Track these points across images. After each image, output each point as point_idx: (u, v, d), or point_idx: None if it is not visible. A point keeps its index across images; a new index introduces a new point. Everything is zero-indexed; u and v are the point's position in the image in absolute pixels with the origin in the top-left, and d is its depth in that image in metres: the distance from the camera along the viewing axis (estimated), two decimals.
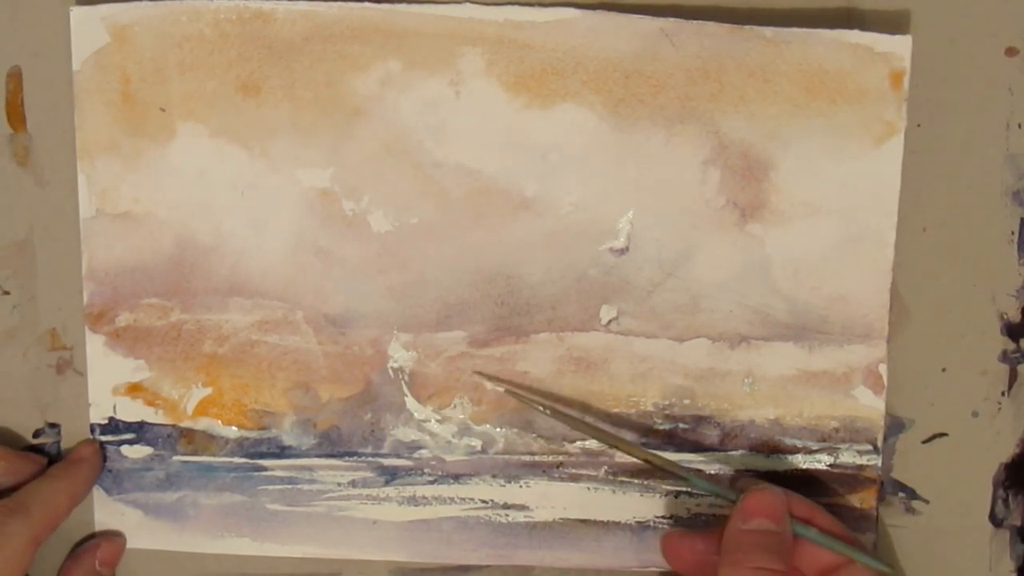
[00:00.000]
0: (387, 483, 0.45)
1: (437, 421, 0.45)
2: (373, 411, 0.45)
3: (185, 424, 0.45)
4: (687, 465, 0.44)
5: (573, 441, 0.44)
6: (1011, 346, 0.44)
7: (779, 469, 0.44)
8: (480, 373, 0.44)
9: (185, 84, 0.44)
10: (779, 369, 0.44)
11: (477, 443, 0.45)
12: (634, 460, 0.44)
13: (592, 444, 0.44)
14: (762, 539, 0.39)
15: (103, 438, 0.45)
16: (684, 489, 0.44)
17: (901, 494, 0.45)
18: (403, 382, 0.45)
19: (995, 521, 0.45)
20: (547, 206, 0.44)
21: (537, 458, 0.44)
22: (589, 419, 0.44)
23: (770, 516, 0.39)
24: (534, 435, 0.45)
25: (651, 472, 0.44)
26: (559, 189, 0.43)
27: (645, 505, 0.45)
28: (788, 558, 0.39)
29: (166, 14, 0.43)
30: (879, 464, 0.44)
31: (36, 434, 0.46)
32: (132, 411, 0.45)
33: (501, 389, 0.44)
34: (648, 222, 0.44)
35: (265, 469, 0.45)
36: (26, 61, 0.45)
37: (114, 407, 0.45)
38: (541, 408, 0.43)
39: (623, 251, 0.44)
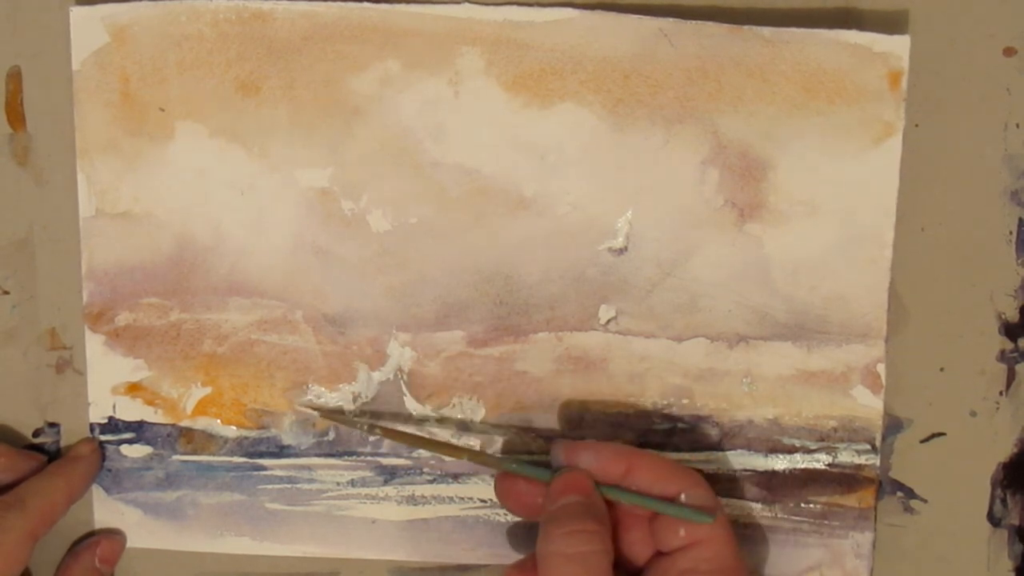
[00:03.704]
0: (386, 482, 0.45)
1: (436, 420, 0.45)
2: (372, 410, 0.45)
3: (184, 423, 0.45)
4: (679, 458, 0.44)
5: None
6: (1009, 346, 0.44)
7: (777, 468, 0.44)
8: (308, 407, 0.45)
9: (184, 84, 0.44)
10: (778, 369, 0.44)
11: (476, 443, 0.45)
12: None
13: None
14: (572, 508, 0.39)
15: (103, 437, 0.45)
16: None
17: (899, 493, 0.45)
18: (402, 382, 0.45)
19: (993, 521, 0.45)
20: (546, 206, 0.44)
21: (536, 457, 0.44)
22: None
23: (576, 492, 0.39)
24: (533, 435, 0.45)
25: None
26: (558, 189, 0.44)
27: None
28: (603, 520, 0.39)
29: (165, 14, 0.43)
30: (877, 463, 0.44)
31: (36, 433, 0.46)
32: (131, 410, 0.45)
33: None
34: (647, 222, 0.44)
35: (264, 468, 0.45)
36: (26, 61, 0.45)
37: (113, 406, 0.45)
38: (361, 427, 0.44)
39: (622, 251, 0.44)
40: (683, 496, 0.39)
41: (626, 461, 0.40)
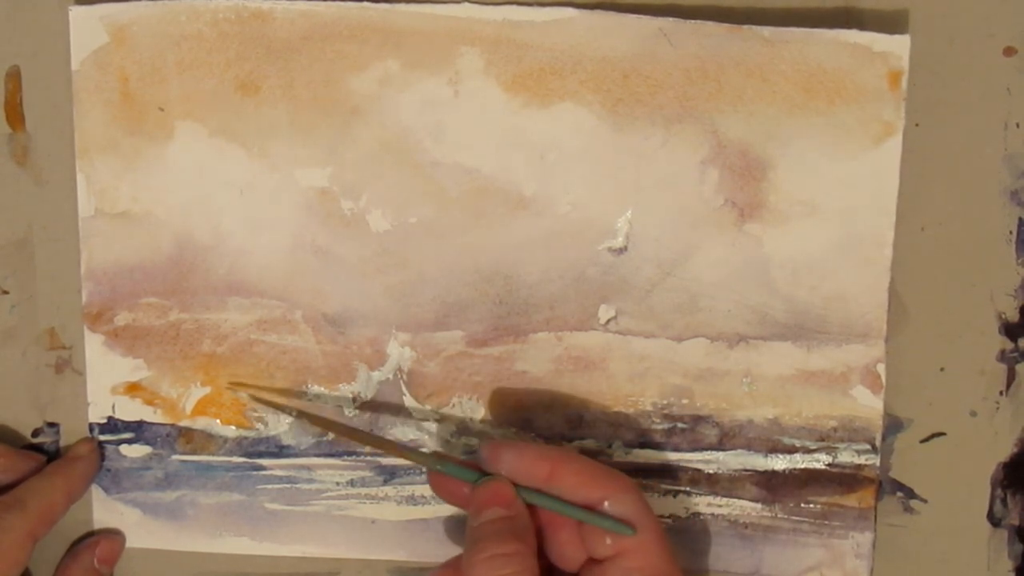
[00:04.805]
0: (385, 482, 0.45)
1: (436, 420, 0.45)
2: (372, 410, 0.45)
3: (184, 423, 0.45)
4: (687, 464, 0.44)
5: (572, 440, 0.44)
6: (1009, 345, 0.44)
7: (777, 468, 0.44)
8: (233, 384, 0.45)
9: (184, 83, 0.44)
10: (777, 368, 0.44)
11: (476, 442, 0.45)
12: (631, 460, 0.44)
13: (590, 443, 0.44)
14: (493, 526, 0.38)
15: (102, 437, 0.45)
16: (682, 488, 0.44)
17: (899, 493, 0.45)
18: (402, 381, 0.45)
19: (993, 521, 0.45)
20: (545, 205, 0.44)
21: None
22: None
23: (499, 503, 0.39)
24: (532, 434, 0.45)
25: (648, 471, 0.44)
26: (557, 188, 0.44)
27: None
28: (526, 536, 0.38)
29: (165, 13, 0.43)
30: (877, 463, 0.44)
31: (35, 433, 0.46)
32: (131, 410, 0.45)
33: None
34: (646, 221, 0.44)
35: (264, 468, 0.45)
36: (25, 60, 0.45)
37: (113, 406, 0.45)
38: (290, 413, 0.43)
39: (621, 250, 0.44)
40: (606, 503, 0.38)
41: (550, 464, 0.39)
